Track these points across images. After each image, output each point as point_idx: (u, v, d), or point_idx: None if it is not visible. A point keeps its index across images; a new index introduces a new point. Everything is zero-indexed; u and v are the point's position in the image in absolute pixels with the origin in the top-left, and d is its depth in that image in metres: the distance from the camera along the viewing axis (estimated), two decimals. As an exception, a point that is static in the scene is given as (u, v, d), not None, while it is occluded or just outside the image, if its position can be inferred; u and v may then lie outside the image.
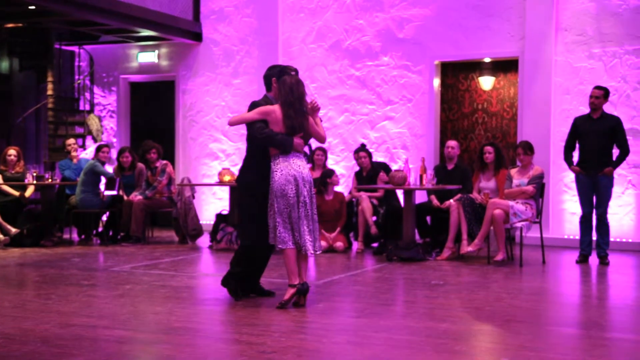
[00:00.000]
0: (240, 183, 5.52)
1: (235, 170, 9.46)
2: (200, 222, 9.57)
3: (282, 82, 5.19)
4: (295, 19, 10.71)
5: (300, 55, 10.67)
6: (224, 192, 10.63)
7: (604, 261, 7.49)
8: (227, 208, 9.30)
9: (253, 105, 5.33)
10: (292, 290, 5.11)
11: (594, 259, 7.63)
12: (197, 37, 11.29)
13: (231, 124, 5.35)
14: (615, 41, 8.94)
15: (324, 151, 9.17)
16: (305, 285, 5.15)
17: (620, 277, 6.88)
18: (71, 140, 10.12)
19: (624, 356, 4.06)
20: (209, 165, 11.31)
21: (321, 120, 5.43)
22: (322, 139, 5.45)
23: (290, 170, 5.11)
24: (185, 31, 11.05)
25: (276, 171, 5.12)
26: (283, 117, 5.12)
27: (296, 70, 5.40)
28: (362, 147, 8.99)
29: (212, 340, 4.34)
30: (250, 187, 5.31)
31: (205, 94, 11.36)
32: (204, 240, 9.33)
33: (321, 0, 10.56)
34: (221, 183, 9.06)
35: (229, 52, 11.18)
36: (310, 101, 5.29)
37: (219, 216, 9.02)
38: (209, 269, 7.68)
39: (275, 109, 5.17)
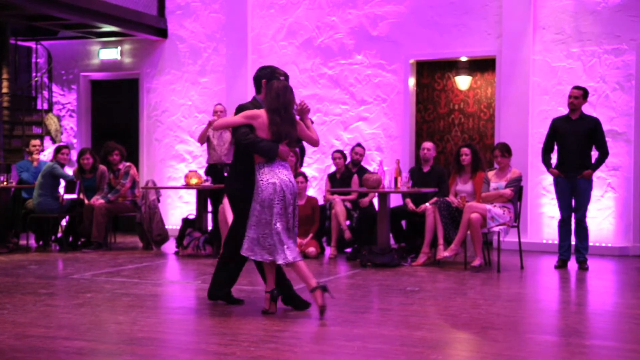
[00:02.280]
0: (227, 191, 5.49)
1: (202, 172, 9.46)
2: (166, 227, 9.52)
3: (269, 87, 5.14)
4: (265, 15, 10.70)
5: (270, 53, 10.66)
6: (191, 196, 10.58)
7: (583, 266, 7.58)
8: (194, 212, 9.26)
9: (240, 109, 5.28)
10: (267, 296, 5.18)
11: (572, 264, 7.73)
12: (162, 33, 11.23)
13: (216, 128, 5.33)
14: (594, 40, 9.08)
15: (295, 153, 9.16)
16: (275, 292, 5.18)
17: (600, 283, 6.97)
18: (36, 142, 9.91)
19: (603, 363, 4.12)
20: (175, 168, 11.25)
21: (312, 122, 5.38)
22: (315, 143, 5.41)
23: (275, 179, 5.06)
24: (149, 27, 10.99)
25: (261, 180, 5.08)
26: (269, 123, 5.07)
27: (286, 75, 5.34)
28: (359, 145, 9.12)
29: (177, 351, 4.31)
30: (238, 195, 5.27)
31: (171, 92, 11.30)
32: (170, 246, 9.27)
33: (292, -5, 10.57)
34: (188, 186, 9.00)
35: (196, 49, 11.14)
36: (299, 102, 5.25)
37: (186, 221, 8.97)
38: (174, 276, 7.63)
39: (262, 113, 5.11)
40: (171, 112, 11.31)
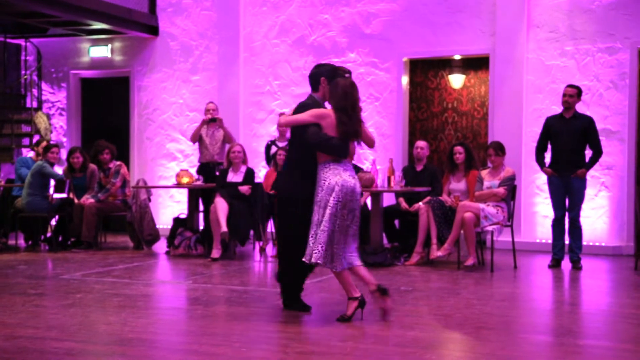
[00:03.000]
0: (280, 192, 5.30)
1: (194, 171, 9.45)
2: (157, 226, 9.50)
3: (335, 86, 5.01)
4: (257, 13, 10.69)
5: (262, 51, 10.66)
6: (182, 195, 10.56)
7: (576, 266, 7.61)
8: (186, 212, 9.24)
9: (302, 107, 5.11)
10: (354, 303, 5.00)
11: (566, 264, 7.76)
12: (153, 30, 11.21)
13: (282, 125, 5.16)
14: (588, 38, 9.10)
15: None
16: (363, 297, 5.06)
17: (594, 282, 7.00)
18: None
19: (597, 363, 4.14)
20: (166, 167, 11.23)
21: (363, 123, 5.28)
22: (371, 143, 5.40)
23: (337, 178, 4.93)
24: (140, 24, 10.96)
25: (323, 179, 4.94)
26: (337, 123, 4.96)
27: (350, 72, 5.26)
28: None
29: (169, 352, 4.31)
30: (293, 196, 5.10)
31: (162, 90, 11.28)
32: (161, 246, 9.26)
33: (284, -7, 10.57)
34: (179, 185, 8.99)
35: (187, 47, 11.13)
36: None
37: (177, 220, 8.95)
38: (166, 276, 7.62)
39: (330, 113, 4.99)
40: (162, 111, 11.29)
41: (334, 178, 4.92)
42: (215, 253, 8.04)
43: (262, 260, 8.31)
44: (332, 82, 5.07)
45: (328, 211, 4.87)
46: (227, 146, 8.87)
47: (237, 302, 5.63)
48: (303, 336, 4.68)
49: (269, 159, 9.49)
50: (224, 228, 7.95)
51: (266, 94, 10.70)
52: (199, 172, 9.20)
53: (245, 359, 4.02)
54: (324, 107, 5.18)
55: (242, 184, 8.41)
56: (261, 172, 9.96)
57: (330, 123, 4.97)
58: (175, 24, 11.17)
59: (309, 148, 5.03)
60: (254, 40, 10.71)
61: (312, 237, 4.92)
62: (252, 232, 8.75)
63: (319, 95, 5.22)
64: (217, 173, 8.81)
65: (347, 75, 5.20)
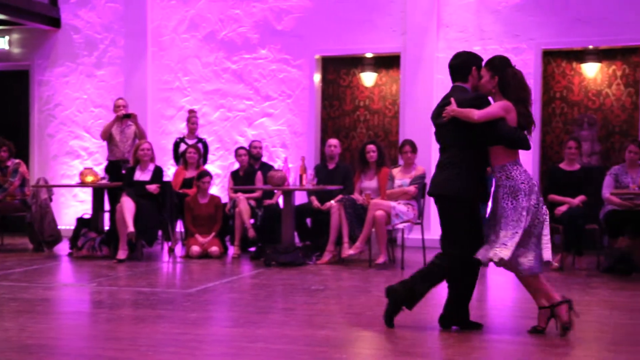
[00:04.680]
0: (449, 192, 4.79)
1: (99, 170, 9.22)
2: (59, 227, 9.22)
3: (513, 76, 4.73)
4: (165, 7, 10.54)
5: (171, 46, 10.52)
6: (87, 195, 10.29)
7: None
8: (90, 212, 9.01)
9: (479, 100, 4.71)
10: (564, 307, 4.65)
11: (475, 260, 7.95)
12: (55, 22, 10.87)
13: (480, 119, 4.58)
14: (495, 39, 9.39)
15: (197, 149, 9.07)
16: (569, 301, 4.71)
17: (500, 278, 7.20)
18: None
19: (502, 358, 4.27)
20: (69, 165, 10.93)
21: None
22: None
23: (530, 178, 4.68)
24: (40, 15, 10.62)
25: (520, 179, 4.64)
26: (518, 116, 4.68)
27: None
28: (255, 140, 9.10)
29: (71, 358, 4.19)
30: (465, 197, 4.75)
31: (65, 85, 10.97)
32: (63, 248, 8.99)
33: (194, -14, 10.46)
34: (83, 184, 8.77)
35: (92, 40, 10.86)
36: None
37: (81, 220, 8.73)
38: (68, 279, 7.41)
39: (512, 106, 4.69)
40: (65, 106, 10.97)
41: (527, 177, 4.68)
42: (121, 254, 7.88)
43: (171, 261, 8.20)
44: (505, 72, 4.75)
45: (531, 216, 4.61)
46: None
47: (143, 305, 5.54)
48: (213, 338, 4.64)
49: (178, 156, 9.38)
50: (131, 228, 7.81)
51: (175, 90, 10.56)
52: (107, 170, 9.00)
53: (151, 363, 3.96)
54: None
55: (150, 182, 8.27)
56: (170, 171, 9.82)
57: (513, 118, 4.69)
58: (79, 16, 10.87)
59: (480, 144, 4.71)
60: (163, 34, 10.55)
61: (520, 246, 4.61)
62: (160, 232, 8.62)
63: (468, 86, 4.84)
64: (124, 171, 8.64)
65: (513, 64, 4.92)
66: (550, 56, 9.43)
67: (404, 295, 4.81)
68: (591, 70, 9.36)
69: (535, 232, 4.63)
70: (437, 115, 4.89)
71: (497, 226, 4.67)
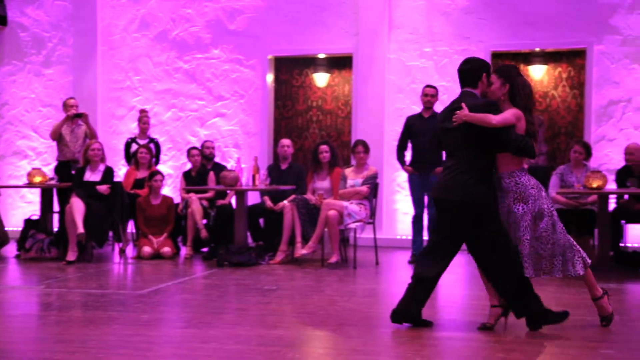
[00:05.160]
0: (469, 197, 4.69)
1: (48, 170, 9.07)
2: (6, 229, 9.03)
3: (522, 85, 4.74)
4: (115, 5, 10.42)
5: (122, 45, 10.40)
6: (35, 195, 10.11)
7: (435, 261, 7.92)
8: (38, 213, 8.86)
9: (491, 105, 4.69)
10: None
11: (426, 259, 8.04)
12: (1, 20, 10.65)
13: (498, 124, 4.58)
14: (445, 41, 9.51)
15: (149, 149, 8.99)
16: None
17: (451, 277, 7.27)
18: None
19: (452, 355, 4.33)
20: (16, 165, 10.72)
21: None
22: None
23: (538, 183, 4.74)
24: (-14, 13, 10.40)
25: (531, 185, 4.68)
26: (526, 123, 4.70)
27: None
28: (207, 140, 8.99)
29: (19, 361, 4.13)
30: (485, 201, 4.70)
31: (12, 84, 10.77)
32: (10, 250, 8.82)
33: (145, -15, 10.36)
34: (31, 185, 8.62)
35: (40, 39, 10.67)
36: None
37: (28, 222, 8.58)
38: (15, 281, 7.27)
39: (522, 114, 4.72)
40: (12, 106, 10.77)
41: (536, 182, 4.74)
42: (71, 255, 7.76)
43: (122, 262, 8.11)
44: (516, 81, 4.77)
45: (553, 220, 4.69)
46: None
47: (94, 307, 5.47)
48: (164, 339, 4.61)
49: (129, 157, 9.28)
50: (81, 229, 7.70)
51: (126, 90, 10.44)
52: (57, 170, 8.85)
53: (102, 365, 3.92)
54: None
55: (100, 183, 8.17)
56: (121, 171, 9.71)
57: (523, 125, 4.72)
58: (26, 13, 10.68)
59: (490, 149, 4.72)
60: (113, 33, 10.43)
61: (539, 250, 4.68)
62: (111, 233, 8.52)
63: (477, 92, 4.83)
64: (73, 172, 8.51)
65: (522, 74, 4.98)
66: (498, 58, 9.58)
67: (541, 313, 4.72)
68: (538, 72, 9.55)
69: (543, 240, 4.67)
70: (444, 119, 4.88)
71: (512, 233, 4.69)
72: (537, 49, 9.44)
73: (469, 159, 4.72)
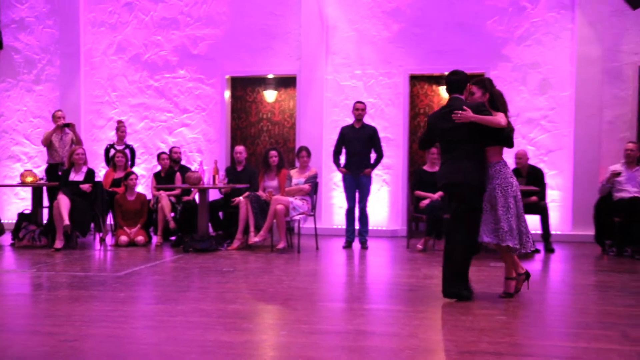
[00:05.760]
0: (471, 182, 4.78)
1: (38, 171, 8.81)
2: (2, 221, 8.75)
3: (499, 95, 4.95)
4: (96, 32, 10.18)
5: (101, 66, 10.17)
6: (27, 193, 9.82)
7: (364, 246, 8.00)
8: (30, 207, 8.60)
9: (481, 107, 4.80)
10: (522, 277, 4.97)
11: (357, 245, 8.12)
12: (-3, 43, 10.30)
13: (506, 124, 4.76)
14: (372, 65, 9.59)
15: (124, 154, 8.82)
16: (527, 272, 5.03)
17: (377, 259, 7.39)
18: None
19: (378, 322, 4.37)
20: (10, 167, 10.37)
21: None
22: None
23: (512, 172, 4.92)
24: (-16, 38, 10.02)
25: (510, 176, 4.84)
26: (507, 124, 4.87)
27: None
28: (174, 147, 8.79)
29: (12, 334, 4.00)
30: (481, 186, 4.82)
31: (7, 99, 10.41)
32: (6, 239, 8.54)
33: (121, 16, 10.15)
34: (23, 184, 8.35)
35: (31, 60, 10.35)
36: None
37: (21, 215, 8.32)
38: (10, 266, 7.02)
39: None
40: (7, 117, 10.42)
41: (511, 173, 4.90)
42: (58, 244, 7.57)
43: (102, 249, 7.93)
44: (493, 90, 4.94)
45: (519, 203, 4.82)
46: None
47: (78, 287, 5.34)
48: (139, 314, 4.53)
49: (109, 160, 9.09)
50: (67, 221, 7.51)
51: (105, 104, 10.22)
52: (47, 172, 8.64)
53: (84, 336, 3.83)
54: None
55: (83, 182, 7.98)
56: (101, 172, 9.50)
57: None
58: (19, 39, 10.34)
59: (484, 142, 4.84)
60: (94, 56, 10.19)
61: (521, 227, 4.81)
62: (92, 225, 8.32)
63: (463, 97, 4.99)
64: (60, 173, 8.30)
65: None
66: (415, 80, 9.71)
67: (458, 285, 4.78)
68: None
69: (521, 218, 4.83)
70: (442, 120, 4.93)
71: (494, 214, 4.79)
72: (446, 73, 9.53)
73: (469, 151, 4.81)
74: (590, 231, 7.88)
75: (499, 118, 4.76)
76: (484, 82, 5.01)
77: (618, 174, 7.45)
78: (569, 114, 9.03)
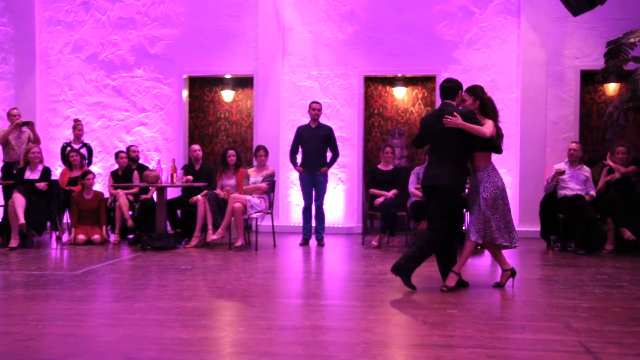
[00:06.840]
0: (447, 184, 4.96)
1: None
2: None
3: (489, 101, 5.11)
4: (52, 31, 9.92)
5: (58, 64, 9.91)
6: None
7: (321, 243, 8.02)
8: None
9: (470, 114, 4.95)
10: (508, 273, 5.15)
11: (313, 242, 8.12)
12: (-51, 40, 9.93)
13: (490, 135, 4.91)
14: (328, 66, 9.61)
15: (79, 153, 8.61)
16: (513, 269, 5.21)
17: (333, 255, 7.41)
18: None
19: (334, 318, 4.38)
20: (-37, 166, 10.00)
21: None
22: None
23: (500, 177, 5.08)
24: None
25: (497, 179, 5.01)
26: (497, 133, 5.05)
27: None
28: (132, 145, 8.62)
29: (-34, 335, 3.85)
30: (458, 189, 4.99)
31: (-41, 96, 10.05)
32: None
33: (77, 15, 9.91)
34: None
35: (-16, 57, 10.01)
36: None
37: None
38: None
39: (493, 123, 5.03)
40: (-41, 114, 10.05)
41: (499, 174, 5.06)
42: (14, 243, 7.35)
43: (59, 248, 7.73)
44: (484, 98, 5.09)
45: (507, 200, 5.01)
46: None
47: (34, 286, 5.19)
48: (96, 312, 4.43)
49: (65, 158, 8.87)
50: (22, 220, 7.30)
51: (62, 102, 9.97)
52: (2, 170, 8.37)
53: (40, 335, 3.73)
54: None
55: (39, 181, 7.76)
56: (57, 171, 9.26)
57: (494, 130, 5.02)
58: (-28, 35, 9.99)
59: (469, 148, 4.99)
60: (50, 54, 9.92)
61: (508, 225, 5.01)
62: (48, 224, 8.11)
63: (455, 103, 5.10)
64: (15, 171, 8.06)
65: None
66: (370, 81, 9.77)
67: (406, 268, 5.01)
68: (400, 93, 9.81)
69: (507, 217, 5.04)
70: (433, 122, 5.07)
71: (483, 214, 4.99)
72: (399, 74, 9.70)
73: (454, 154, 4.97)
74: (536, 227, 8.07)
75: (484, 129, 4.92)
76: (475, 90, 5.21)
77: (562, 172, 7.65)
78: (515, 115, 9.23)
